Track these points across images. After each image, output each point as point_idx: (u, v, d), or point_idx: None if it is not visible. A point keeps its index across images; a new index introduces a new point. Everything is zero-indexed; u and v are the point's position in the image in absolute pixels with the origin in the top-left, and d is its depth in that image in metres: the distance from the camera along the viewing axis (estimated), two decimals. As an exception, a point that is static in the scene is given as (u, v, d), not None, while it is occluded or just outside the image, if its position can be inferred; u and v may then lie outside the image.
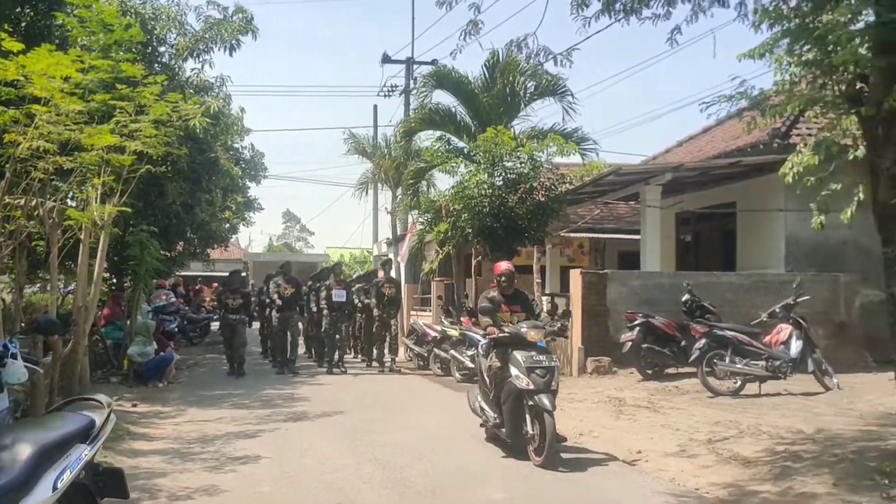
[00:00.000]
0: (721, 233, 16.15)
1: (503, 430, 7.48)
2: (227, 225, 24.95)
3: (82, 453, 3.75)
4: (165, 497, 6.01)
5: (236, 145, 22.43)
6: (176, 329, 17.75)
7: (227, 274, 16.75)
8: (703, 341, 10.50)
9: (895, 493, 5.51)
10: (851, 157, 7.04)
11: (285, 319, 14.74)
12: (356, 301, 15.60)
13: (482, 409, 7.99)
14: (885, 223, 5.69)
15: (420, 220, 16.84)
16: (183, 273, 26.23)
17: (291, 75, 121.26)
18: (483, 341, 8.37)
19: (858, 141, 6.83)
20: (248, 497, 6.09)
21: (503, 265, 8.20)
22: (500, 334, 7.59)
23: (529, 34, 8.04)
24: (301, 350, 16.34)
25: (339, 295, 15.00)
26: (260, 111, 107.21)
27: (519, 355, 7.28)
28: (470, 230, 13.95)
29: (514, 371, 7.25)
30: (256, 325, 17.87)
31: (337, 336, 15.02)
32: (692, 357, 10.63)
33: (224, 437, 8.38)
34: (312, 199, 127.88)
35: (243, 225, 26.76)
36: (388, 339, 15.08)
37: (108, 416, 4.11)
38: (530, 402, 7.08)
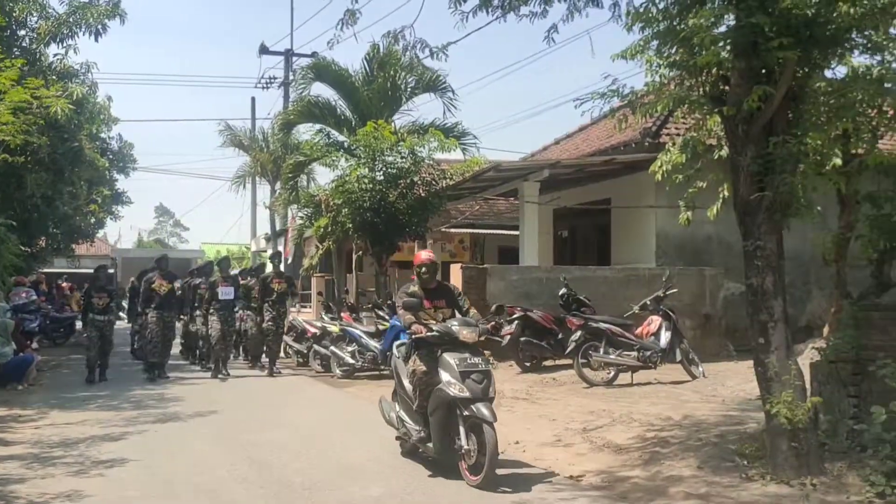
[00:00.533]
0: (596, 228, 16.66)
1: (430, 444, 6.52)
2: (93, 219, 23.78)
3: None
4: (23, 504, 5.65)
5: (103, 135, 21.39)
6: (37, 328, 16.72)
7: (92, 271, 15.79)
8: (578, 333, 10.81)
9: (753, 473, 5.81)
10: (716, 156, 7.34)
11: (161, 319, 13.32)
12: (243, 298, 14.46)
13: (401, 420, 6.98)
14: (744, 218, 5.97)
15: (300, 214, 16.57)
16: (45, 270, 24.81)
17: (166, 65, 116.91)
18: (400, 341, 7.45)
19: (722, 141, 7.13)
20: (114, 502, 5.80)
21: (424, 254, 7.23)
22: (428, 333, 6.53)
23: (406, 26, 7.98)
24: (176, 351, 15.26)
25: (225, 292, 13.70)
26: (131, 101, 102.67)
27: (450, 358, 6.31)
28: (350, 225, 13.85)
29: (444, 376, 6.28)
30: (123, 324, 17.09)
31: (223, 337, 13.71)
32: (568, 349, 10.92)
33: (88, 440, 7.95)
34: (187, 194, 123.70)
35: (111, 219, 25.56)
36: (276, 339, 14.09)
37: None
38: (465, 413, 6.14)
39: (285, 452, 7.39)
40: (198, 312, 14.48)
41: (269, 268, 14.86)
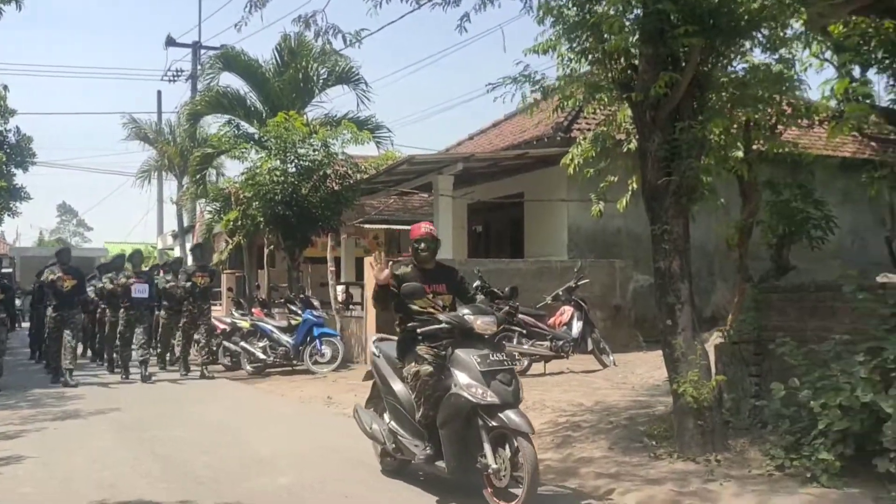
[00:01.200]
0: (510, 222, 16.80)
1: (441, 463, 5.32)
2: (-15, 216, 22.62)
3: None
4: None
5: (-1, 127, 20.39)
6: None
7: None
8: (492, 324, 10.84)
9: (661, 452, 5.94)
10: (625, 149, 7.49)
11: (63, 318, 11.96)
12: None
13: (392, 434, 5.76)
14: (652, 203, 6.10)
15: (208, 209, 16.15)
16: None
17: (69, 56, 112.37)
18: (379, 335, 6.36)
19: (632, 135, 7.28)
20: (9, 500, 5.50)
21: (423, 226, 5.92)
22: (438, 324, 5.36)
23: (318, 11, 7.85)
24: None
25: (139, 290, 12.47)
26: (31, 93, 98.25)
27: (467, 355, 5.14)
28: (261, 219, 13.58)
29: (461, 378, 5.09)
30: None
31: (139, 338, 12.54)
32: None
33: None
34: (91, 191, 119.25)
35: (8, 216, 24.34)
36: (198, 337, 12.92)
37: None
38: (492, 423, 4.99)
39: (191, 447, 7.18)
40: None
41: (189, 260, 13.90)
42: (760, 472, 5.27)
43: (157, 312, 13.43)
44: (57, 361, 12.25)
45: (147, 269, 14.12)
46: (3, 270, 13.64)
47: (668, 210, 5.99)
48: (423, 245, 5.77)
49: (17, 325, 15.85)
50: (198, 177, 16.51)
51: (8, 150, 21.26)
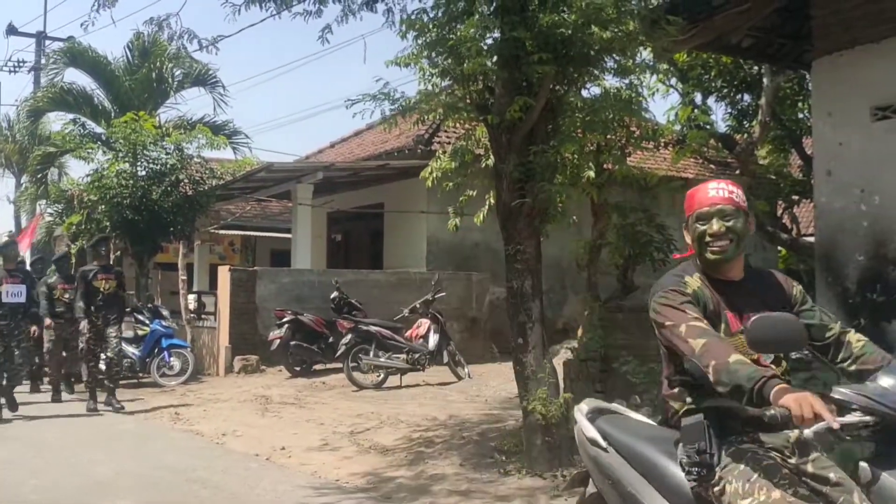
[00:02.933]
0: (370, 232, 16.77)
1: None
2: None
3: None
4: None
5: None
6: None
7: None
8: (348, 337, 10.80)
9: (510, 468, 6.07)
10: (483, 164, 7.62)
11: None
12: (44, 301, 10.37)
13: None
14: (506, 223, 6.24)
15: (49, 210, 15.19)
16: None
17: None
18: (618, 409, 3.41)
19: (489, 150, 7.42)
20: None
21: (714, 188, 2.84)
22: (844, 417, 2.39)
23: (172, 14, 7.58)
24: None
25: (13, 292, 9.37)
26: None
27: None
28: (108, 223, 12.89)
29: None
30: None
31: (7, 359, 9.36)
32: (339, 352, 10.87)
33: None
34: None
35: None
36: (104, 358, 9.99)
37: None
38: None
39: (20, 470, 6.68)
40: None
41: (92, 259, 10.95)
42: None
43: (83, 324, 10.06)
44: None
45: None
46: None
47: (522, 231, 6.14)
48: (715, 225, 2.78)
49: None
50: (38, 176, 15.52)
51: None
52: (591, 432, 3.17)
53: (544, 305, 6.33)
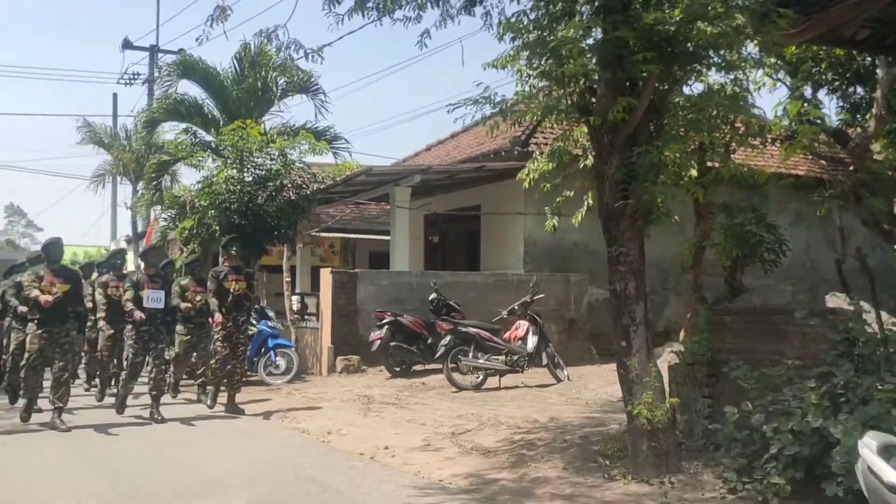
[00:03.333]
0: (466, 234, 16.85)
1: None
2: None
3: None
4: None
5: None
6: None
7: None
8: (448, 338, 10.88)
9: (615, 473, 5.99)
10: (581, 165, 7.55)
11: (51, 337, 8.66)
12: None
13: None
14: (609, 225, 6.17)
15: (163, 216, 15.89)
16: None
17: (17, 55, 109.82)
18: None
19: (588, 151, 7.36)
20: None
21: None
22: None
23: (280, 26, 7.81)
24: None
25: (153, 297, 9.26)
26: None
27: None
28: (217, 227, 13.38)
29: None
30: None
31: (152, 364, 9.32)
32: (438, 354, 10.97)
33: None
34: (40, 192, 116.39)
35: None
36: (236, 363, 9.86)
37: None
38: None
39: (142, 463, 7.04)
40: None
41: (225, 261, 10.96)
42: (714, 494, 5.35)
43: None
44: (33, 394, 9.03)
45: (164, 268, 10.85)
46: None
47: (625, 233, 6.06)
48: None
49: None
50: (153, 183, 16.29)
51: (-47, 151, 20.74)
52: (892, 476, 2.59)
53: (647, 306, 6.23)
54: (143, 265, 9.98)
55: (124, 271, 11.01)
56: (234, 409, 9.76)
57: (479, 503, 5.69)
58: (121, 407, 9.45)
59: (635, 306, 6.03)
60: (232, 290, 9.76)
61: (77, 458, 7.40)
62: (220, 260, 11.66)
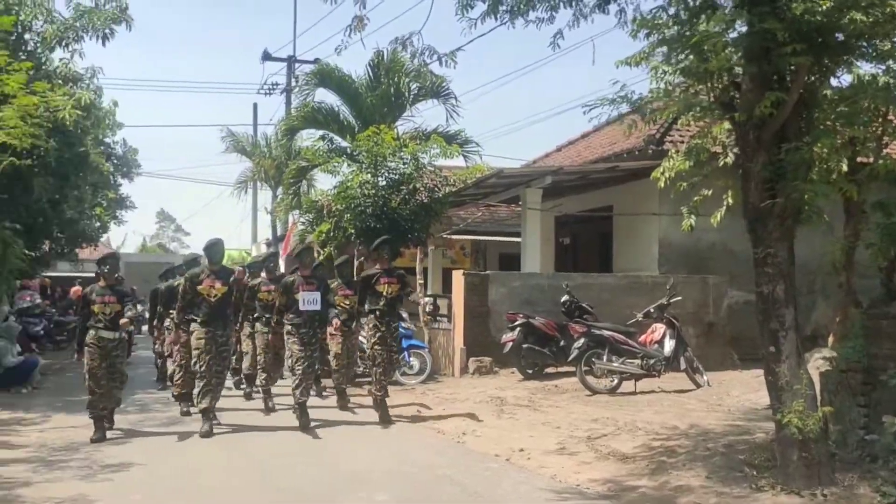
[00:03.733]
0: (598, 235, 16.61)
1: None
2: (97, 223, 23.75)
3: None
4: (27, 509, 5.60)
5: (107, 140, 21.35)
6: (41, 332, 16.67)
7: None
8: (581, 341, 10.76)
9: (762, 483, 5.74)
10: (721, 163, 7.30)
11: (213, 338, 8.59)
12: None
13: None
14: (755, 225, 5.92)
15: (301, 220, 16.50)
16: (50, 274, 24.75)
17: (166, 70, 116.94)
18: None
19: (727, 148, 7.10)
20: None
21: None
22: None
23: (414, 32, 7.97)
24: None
25: (309, 299, 8.97)
26: (135, 106, 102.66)
27: None
28: (352, 230, 13.77)
29: None
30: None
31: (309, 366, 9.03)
32: (571, 356, 10.86)
33: (93, 443, 7.92)
34: (187, 198, 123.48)
35: (114, 224, 25.53)
36: (387, 366, 9.29)
37: None
38: None
39: (290, 459, 7.34)
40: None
41: (374, 262, 10.13)
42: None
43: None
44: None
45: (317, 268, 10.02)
46: (117, 262, 9.69)
47: (773, 233, 5.80)
48: None
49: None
50: (292, 189, 16.95)
51: (115, 161, 22.28)
52: None
53: (797, 310, 5.94)
54: (298, 264, 9.54)
55: (277, 273, 11.31)
56: (385, 415, 9.19)
57: (618, 509, 5.61)
58: (303, 416, 8.85)
59: (784, 310, 5.77)
60: (385, 292, 9.17)
61: (228, 451, 7.78)
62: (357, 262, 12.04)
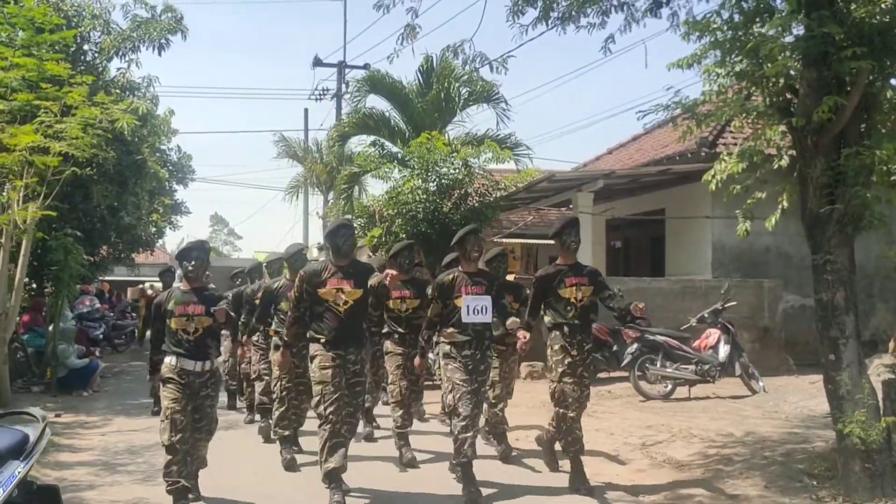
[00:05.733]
0: (650, 239, 16.47)
1: None
2: (154, 229, 24.31)
3: (16, 470, 3.59)
4: (92, 512, 5.78)
5: (163, 147, 21.86)
6: (101, 336, 17.14)
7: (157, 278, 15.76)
8: (634, 346, 10.67)
9: (823, 494, 5.66)
10: (776, 166, 7.21)
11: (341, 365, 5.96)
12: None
13: None
14: (813, 231, 5.84)
15: (353, 224, 16.67)
16: (108, 278, 25.40)
17: (218, 77, 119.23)
18: None
19: (782, 150, 7.01)
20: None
21: None
22: None
23: (466, 40, 8.05)
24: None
25: (478, 308, 6.23)
26: (187, 112, 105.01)
27: None
28: (404, 235, 13.86)
29: None
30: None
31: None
32: (624, 361, 10.78)
33: (154, 447, 7.99)
34: (240, 203, 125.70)
35: (170, 229, 26.07)
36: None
37: (44, 430, 3.96)
38: None
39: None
40: None
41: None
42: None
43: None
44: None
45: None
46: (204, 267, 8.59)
47: (832, 239, 5.73)
48: None
49: None
50: (344, 194, 17.13)
51: (170, 168, 22.80)
52: None
53: (858, 317, 5.85)
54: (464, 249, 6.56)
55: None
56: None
57: (674, 518, 5.58)
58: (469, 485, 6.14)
59: (844, 317, 5.68)
60: (573, 298, 6.57)
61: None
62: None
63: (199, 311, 5.85)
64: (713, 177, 7.52)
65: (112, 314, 20.52)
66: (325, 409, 5.85)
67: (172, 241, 56.40)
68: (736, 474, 6.45)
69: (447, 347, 6.28)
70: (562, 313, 6.50)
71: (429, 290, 7.07)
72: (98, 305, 17.59)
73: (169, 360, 5.78)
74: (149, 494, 6.20)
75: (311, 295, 5.98)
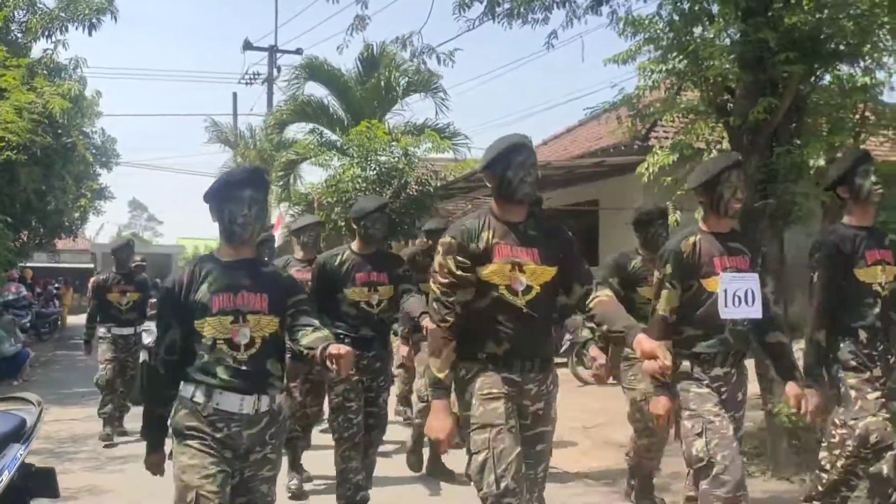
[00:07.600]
0: (584, 230, 16.85)
1: None
2: (77, 214, 23.63)
3: (17, 453, 3.64)
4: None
5: (86, 129, 21.25)
6: (28, 324, 16.70)
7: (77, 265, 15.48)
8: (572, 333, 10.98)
9: (753, 470, 6.05)
10: (705, 159, 7.55)
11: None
12: None
13: None
14: (748, 225, 6.18)
15: (290, 212, 16.61)
16: (29, 264, 24.61)
17: (149, 59, 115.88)
18: None
19: (711, 145, 7.36)
20: (138, 498, 5.82)
21: None
22: None
23: (415, 32, 8.18)
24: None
25: (740, 284, 4.12)
26: (113, 95, 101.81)
27: None
28: (342, 224, 13.92)
29: None
30: None
31: None
32: (563, 348, 11.09)
33: (97, 435, 8.03)
34: (164, 189, 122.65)
35: (93, 214, 25.36)
36: None
37: (40, 414, 4.01)
38: None
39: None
40: None
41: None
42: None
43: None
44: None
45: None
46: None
47: (764, 232, 6.08)
48: None
49: None
50: (281, 182, 17.05)
51: (94, 152, 22.18)
52: None
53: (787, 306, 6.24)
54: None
55: None
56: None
57: (620, 497, 5.86)
58: None
59: (774, 307, 6.04)
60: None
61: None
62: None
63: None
64: (646, 169, 7.84)
65: (37, 302, 19.98)
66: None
67: (93, 226, 54.78)
68: (675, 452, 6.77)
69: (686, 364, 4.01)
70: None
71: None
72: (25, 293, 17.12)
73: (192, 396, 3.18)
74: (101, 482, 6.20)
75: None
